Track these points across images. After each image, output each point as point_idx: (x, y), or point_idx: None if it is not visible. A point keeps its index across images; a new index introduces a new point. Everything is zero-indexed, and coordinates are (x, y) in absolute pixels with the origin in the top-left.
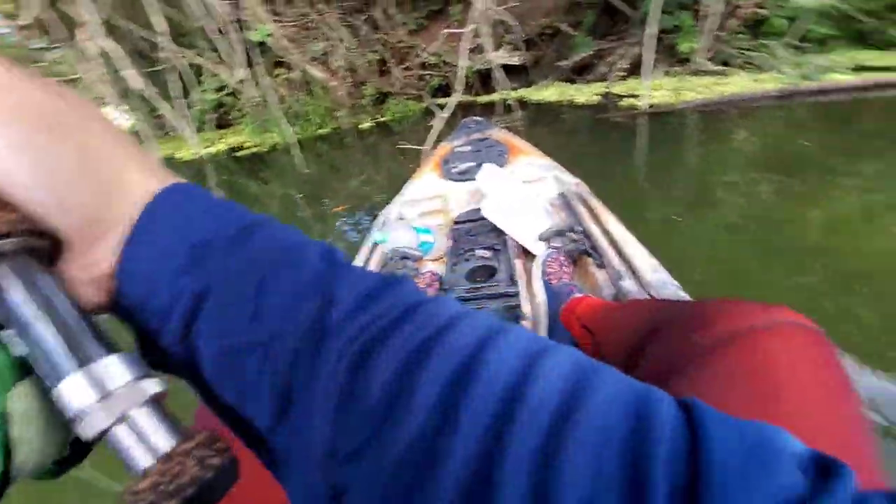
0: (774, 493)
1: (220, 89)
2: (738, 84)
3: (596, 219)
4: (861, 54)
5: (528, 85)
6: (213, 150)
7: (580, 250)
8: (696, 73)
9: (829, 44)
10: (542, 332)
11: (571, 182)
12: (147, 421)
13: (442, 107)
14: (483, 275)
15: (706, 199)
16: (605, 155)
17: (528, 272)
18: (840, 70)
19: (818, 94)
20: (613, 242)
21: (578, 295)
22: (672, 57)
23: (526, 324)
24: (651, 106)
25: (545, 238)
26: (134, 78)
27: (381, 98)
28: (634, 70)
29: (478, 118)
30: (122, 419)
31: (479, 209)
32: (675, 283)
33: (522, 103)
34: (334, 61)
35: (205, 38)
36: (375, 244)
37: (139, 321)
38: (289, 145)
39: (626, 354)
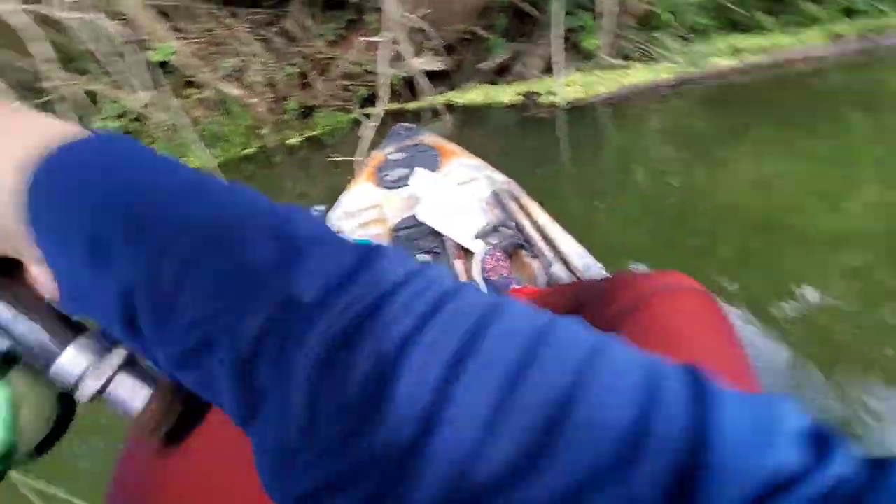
0: (773, 470)
1: (122, 115)
2: (639, 76)
3: (526, 213)
4: (736, 39)
5: (454, 88)
6: None
7: (515, 244)
8: (602, 67)
9: (710, 32)
10: None
11: (502, 180)
12: (129, 376)
13: (369, 116)
14: None
15: (623, 183)
16: (532, 151)
17: (469, 270)
18: (721, 55)
19: (705, 78)
20: (543, 234)
21: (516, 286)
22: (579, 54)
23: None
24: (567, 102)
25: (481, 236)
26: None
27: (307, 111)
28: (549, 69)
29: (408, 124)
30: (111, 378)
31: (415, 215)
32: (599, 264)
33: (450, 107)
34: (249, 77)
35: (96, 62)
36: None
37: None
38: (209, 170)
39: None
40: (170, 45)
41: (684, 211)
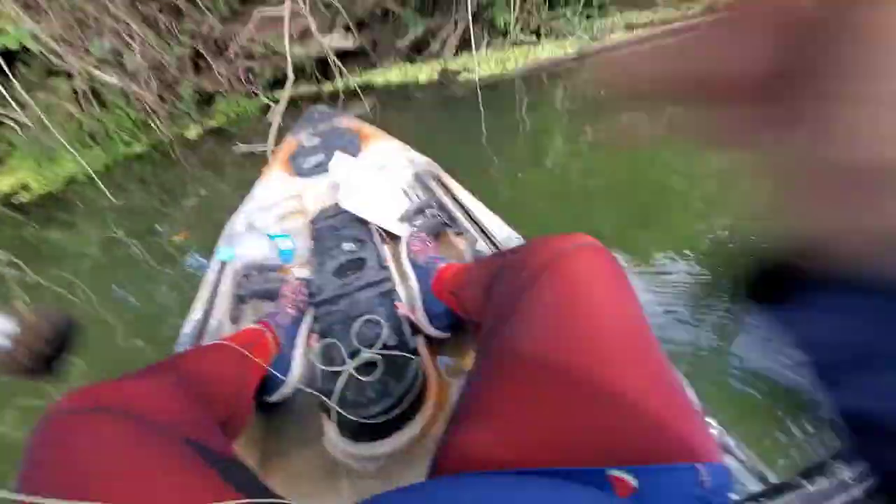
0: None
1: None
2: (548, 50)
3: (449, 193)
4: (631, 15)
5: (372, 68)
6: None
7: (440, 224)
8: (515, 43)
9: (608, 8)
10: (419, 308)
11: (423, 162)
12: None
13: (277, 101)
14: (353, 268)
15: (541, 153)
16: (452, 129)
17: (397, 255)
18: (617, 30)
19: (604, 52)
20: (466, 212)
21: (443, 265)
22: (493, 30)
23: (401, 305)
24: (483, 78)
25: (406, 219)
26: None
27: (206, 99)
28: (465, 45)
29: (322, 107)
30: None
31: (337, 202)
32: (518, 236)
33: (368, 88)
34: (131, 61)
35: None
36: (223, 263)
37: None
38: (88, 176)
39: (481, 304)
40: (25, 28)
41: (597, 178)
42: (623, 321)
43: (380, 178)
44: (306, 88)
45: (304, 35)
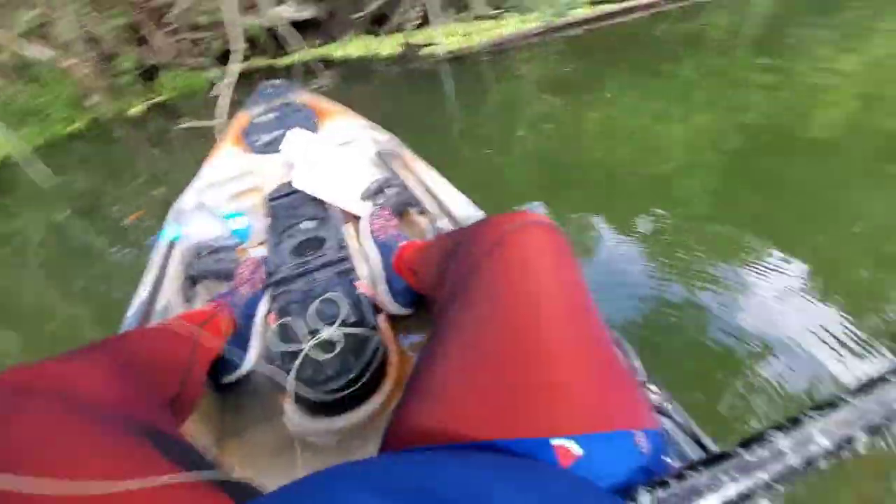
0: None
1: None
2: (512, 25)
3: (411, 170)
4: None
5: (331, 41)
6: None
7: (402, 202)
8: (479, 18)
9: None
10: (381, 286)
11: (385, 139)
12: None
13: (222, 74)
14: (312, 247)
15: (508, 129)
16: (417, 104)
17: (358, 234)
18: (580, 5)
19: (567, 27)
20: (427, 188)
21: (404, 243)
22: (456, 4)
23: (361, 284)
24: (449, 52)
25: (367, 197)
26: None
27: (150, 73)
28: (428, 19)
29: (276, 82)
30: None
31: (291, 182)
32: (481, 212)
33: (327, 62)
34: (62, 33)
35: None
36: (172, 243)
37: None
38: (23, 156)
39: (437, 282)
40: None
41: (562, 151)
42: (564, 295)
43: (338, 155)
44: (260, 62)
45: (255, 4)
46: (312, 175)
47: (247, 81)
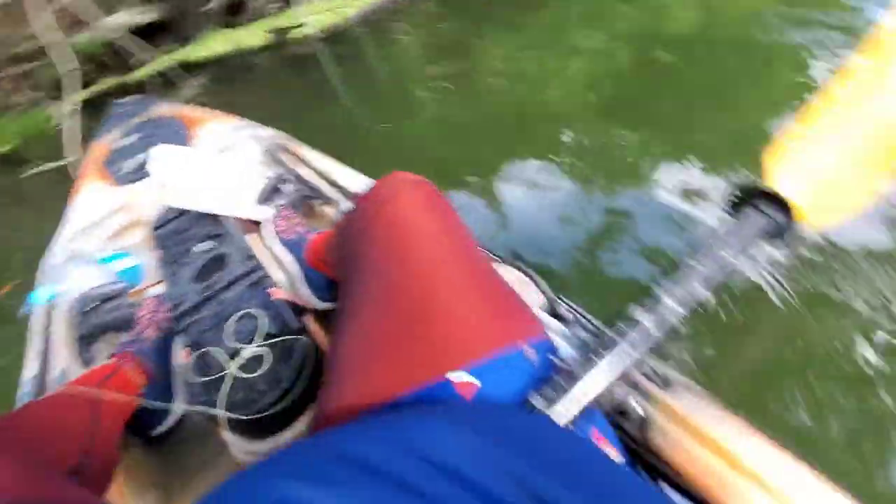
0: None
1: None
2: None
3: (303, 161)
4: None
5: (186, 42)
6: None
7: (302, 197)
8: None
9: None
10: (300, 285)
11: (269, 135)
12: None
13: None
14: (215, 268)
15: (401, 98)
16: (301, 91)
17: (263, 240)
18: None
19: None
20: (324, 176)
21: (313, 235)
22: None
23: (275, 291)
24: (322, 30)
25: (263, 200)
26: None
27: None
28: None
29: (128, 99)
30: None
31: (169, 203)
32: None
33: (190, 66)
34: None
35: None
36: (48, 305)
37: None
38: None
39: (340, 260)
40: None
41: (459, 109)
42: (440, 241)
43: (218, 163)
44: (109, 81)
45: (79, 22)
46: (192, 190)
47: (101, 106)
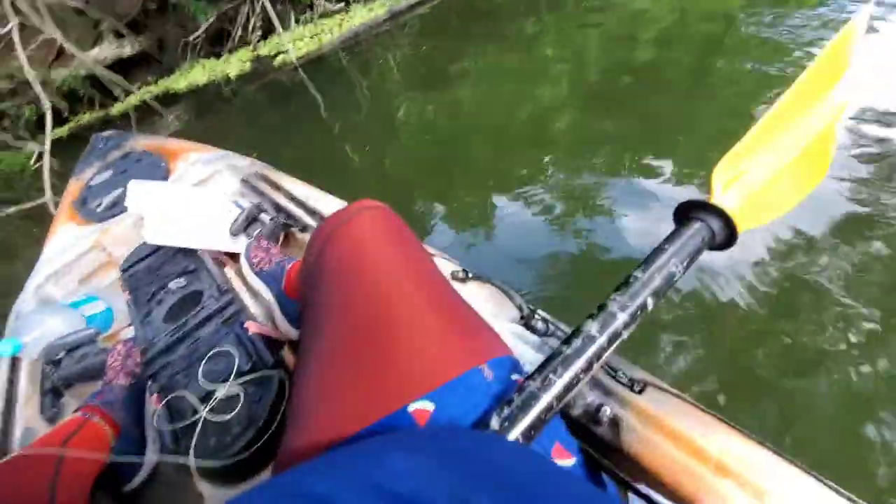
0: None
1: None
2: (359, 16)
3: (280, 189)
4: None
5: (169, 73)
6: None
7: (279, 226)
8: (324, 15)
9: None
10: (278, 316)
11: (246, 164)
12: None
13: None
14: (188, 306)
15: (382, 121)
16: (286, 118)
17: (240, 272)
18: None
19: (412, 8)
20: (302, 203)
21: (290, 265)
22: (299, 4)
23: (251, 325)
24: (302, 56)
25: (238, 231)
26: None
27: None
28: (271, 27)
29: (108, 133)
30: None
31: (144, 240)
32: None
33: (172, 96)
34: None
35: None
36: (14, 359)
37: None
38: None
39: (301, 285)
40: None
41: (440, 130)
42: (397, 266)
43: (195, 195)
44: (90, 116)
45: (62, 54)
46: (167, 225)
47: (82, 143)
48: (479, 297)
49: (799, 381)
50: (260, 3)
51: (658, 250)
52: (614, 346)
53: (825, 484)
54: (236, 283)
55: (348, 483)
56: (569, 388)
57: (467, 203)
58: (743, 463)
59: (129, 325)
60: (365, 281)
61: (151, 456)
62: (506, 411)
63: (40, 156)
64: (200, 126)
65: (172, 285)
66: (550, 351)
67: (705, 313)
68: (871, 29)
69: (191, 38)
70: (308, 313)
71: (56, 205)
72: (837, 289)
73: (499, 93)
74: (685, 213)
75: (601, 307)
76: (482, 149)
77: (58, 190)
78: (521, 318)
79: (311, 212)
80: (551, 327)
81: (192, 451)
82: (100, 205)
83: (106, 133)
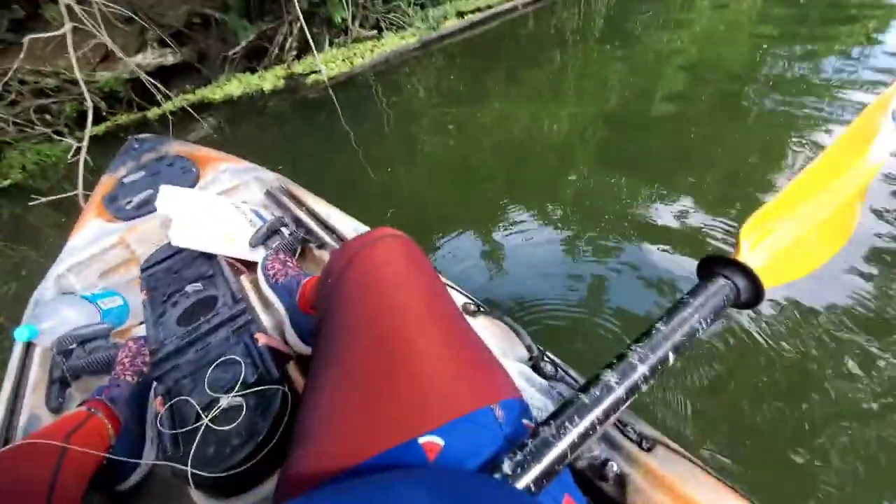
0: None
1: None
2: (391, 43)
3: (303, 205)
4: (459, 3)
5: (206, 84)
6: None
7: (297, 240)
8: (357, 40)
9: None
10: (288, 329)
11: (272, 178)
12: None
13: (82, 139)
14: (202, 311)
15: (406, 144)
16: (313, 134)
17: (256, 283)
18: (450, 17)
19: (442, 39)
20: (322, 221)
21: (306, 280)
22: (332, 28)
23: (261, 336)
24: (333, 77)
25: (257, 243)
26: None
27: None
28: (307, 47)
29: (144, 136)
30: None
31: (169, 241)
32: None
33: (207, 106)
34: None
35: None
36: (28, 344)
37: None
38: None
39: (317, 304)
40: None
41: (462, 156)
42: (414, 298)
43: (221, 204)
44: (128, 117)
45: (107, 57)
46: (192, 229)
47: (117, 141)
48: (488, 333)
49: (816, 453)
50: (298, 24)
51: (681, 304)
52: (632, 399)
53: None
54: (250, 293)
55: None
56: (583, 438)
57: (483, 232)
58: None
59: (142, 323)
60: (383, 307)
61: (149, 458)
62: (518, 456)
63: (77, 150)
64: (231, 135)
65: (189, 289)
66: (558, 395)
67: (720, 371)
68: None
69: (230, 52)
70: (323, 334)
71: (86, 199)
72: (860, 347)
73: (522, 122)
74: (710, 268)
75: (620, 357)
76: (501, 177)
77: (88, 185)
78: (530, 358)
79: (330, 230)
80: (560, 371)
81: (189, 459)
82: (129, 203)
83: (142, 136)
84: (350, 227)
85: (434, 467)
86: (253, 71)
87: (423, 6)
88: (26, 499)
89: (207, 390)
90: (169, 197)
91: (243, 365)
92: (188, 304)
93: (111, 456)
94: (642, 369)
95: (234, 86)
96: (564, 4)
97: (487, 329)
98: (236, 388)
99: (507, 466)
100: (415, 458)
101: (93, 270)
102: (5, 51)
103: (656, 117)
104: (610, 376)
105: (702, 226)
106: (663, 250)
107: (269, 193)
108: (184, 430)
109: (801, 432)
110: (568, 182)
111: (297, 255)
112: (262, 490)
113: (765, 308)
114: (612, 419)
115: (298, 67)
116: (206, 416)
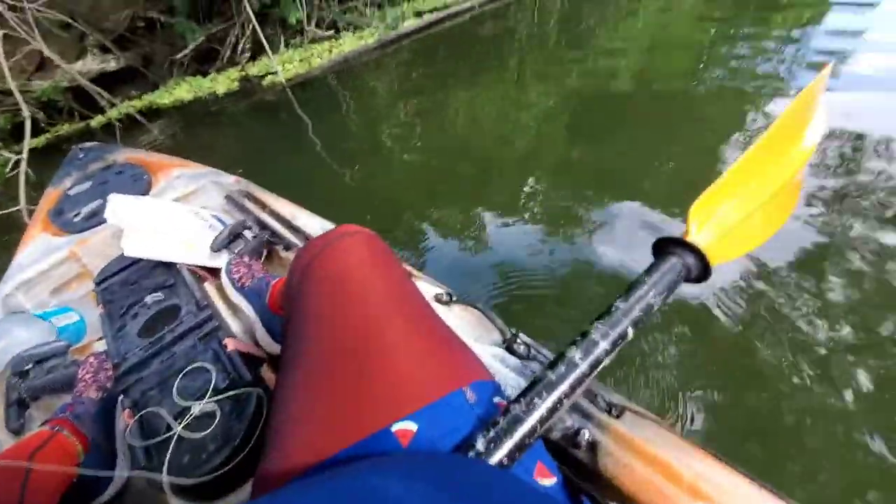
0: None
1: None
2: (349, 43)
3: (265, 207)
4: (417, 3)
5: (154, 88)
6: None
7: (262, 243)
8: (314, 40)
9: None
10: (260, 332)
11: (231, 181)
12: None
13: (19, 152)
14: (165, 320)
15: (369, 143)
16: (272, 137)
17: (221, 288)
18: (408, 17)
19: (401, 38)
20: (285, 221)
21: (275, 281)
22: (287, 29)
23: (230, 341)
24: (291, 78)
25: (219, 247)
26: None
27: None
28: (261, 49)
29: (90, 144)
30: None
31: (123, 252)
32: None
33: (156, 111)
34: None
35: None
36: None
37: None
38: None
39: (284, 302)
40: None
41: (425, 154)
42: (379, 289)
43: (177, 210)
44: (71, 126)
45: (44, 65)
46: (147, 238)
47: (59, 153)
48: (463, 321)
49: (784, 415)
50: (250, 26)
51: (638, 282)
52: (595, 372)
53: None
54: (216, 299)
55: None
56: (552, 411)
57: (452, 225)
58: (716, 487)
59: (101, 338)
60: (348, 303)
61: (123, 471)
62: (491, 433)
63: (16, 164)
64: (185, 141)
65: (149, 299)
66: (531, 374)
67: (682, 339)
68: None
69: (178, 56)
70: (290, 333)
71: (30, 214)
72: (803, 315)
73: (482, 120)
74: (663, 248)
75: (584, 334)
76: (466, 173)
77: (32, 200)
78: (504, 341)
79: (296, 230)
80: (533, 351)
81: (164, 468)
82: (77, 215)
83: (87, 144)
84: (317, 225)
85: (407, 452)
86: (204, 74)
87: (380, 6)
88: None
89: (177, 399)
90: (119, 206)
91: (213, 371)
92: (149, 315)
93: (83, 471)
94: (604, 345)
95: (184, 90)
96: (520, 4)
97: (461, 317)
98: (208, 395)
99: (480, 444)
100: (388, 446)
101: (43, 287)
102: None
103: (613, 113)
104: (574, 353)
105: (657, 210)
106: (621, 233)
107: (229, 198)
108: (155, 440)
109: (760, 401)
110: (531, 177)
111: (262, 258)
112: (244, 492)
113: (718, 283)
114: (579, 392)
115: (253, 69)
116: (179, 425)
